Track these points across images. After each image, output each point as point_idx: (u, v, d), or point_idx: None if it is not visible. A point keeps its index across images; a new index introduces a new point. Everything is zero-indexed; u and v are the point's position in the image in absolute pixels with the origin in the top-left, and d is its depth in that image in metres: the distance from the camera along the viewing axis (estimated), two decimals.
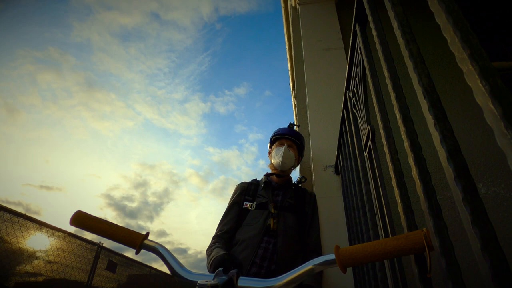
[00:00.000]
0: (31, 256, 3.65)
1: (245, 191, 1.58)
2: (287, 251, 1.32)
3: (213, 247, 1.28)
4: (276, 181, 1.60)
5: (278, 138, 1.66)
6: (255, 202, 1.49)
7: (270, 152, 1.71)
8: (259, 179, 1.68)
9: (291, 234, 1.38)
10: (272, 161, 1.63)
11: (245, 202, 1.51)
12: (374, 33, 0.70)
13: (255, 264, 1.26)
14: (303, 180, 1.70)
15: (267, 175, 1.64)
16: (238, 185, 1.63)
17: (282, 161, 1.54)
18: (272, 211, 1.42)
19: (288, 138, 1.63)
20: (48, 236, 3.91)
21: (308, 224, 1.47)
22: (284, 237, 1.35)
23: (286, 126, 1.78)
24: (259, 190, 1.57)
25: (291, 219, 1.42)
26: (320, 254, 1.40)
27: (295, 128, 1.81)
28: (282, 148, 1.57)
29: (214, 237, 1.40)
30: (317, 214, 1.53)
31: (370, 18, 0.73)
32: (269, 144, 1.75)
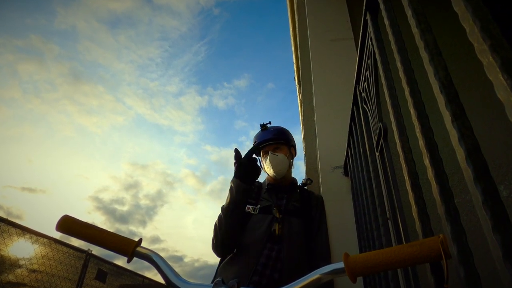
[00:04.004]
0: (14, 264, 3.66)
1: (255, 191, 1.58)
2: (293, 258, 1.32)
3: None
4: (282, 184, 1.60)
5: (260, 149, 1.64)
6: (258, 206, 1.50)
7: (261, 164, 1.68)
8: (261, 181, 1.68)
9: (296, 240, 1.38)
10: (267, 172, 1.62)
11: (247, 206, 1.52)
12: (386, 22, 0.70)
13: (257, 272, 1.27)
14: (308, 182, 1.70)
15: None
16: None
17: (275, 170, 1.54)
18: (277, 215, 1.42)
19: (269, 144, 1.60)
20: (32, 243, 3.92)
21: (316, 229, 1.47)
22: (289, 244, 1.35)
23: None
24: (262, 193, 1.57)
25: (297, 224, 1.43)
26: (329, 262, 1.40)
27: (269, 126, 1.71)
28: (268, 157, 1.56)
29: (225, 232, 1.39)
30: (325, 219, 1.53)
31: (382, 6, 0.73)
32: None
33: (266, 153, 1.60)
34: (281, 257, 1.31)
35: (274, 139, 1.60)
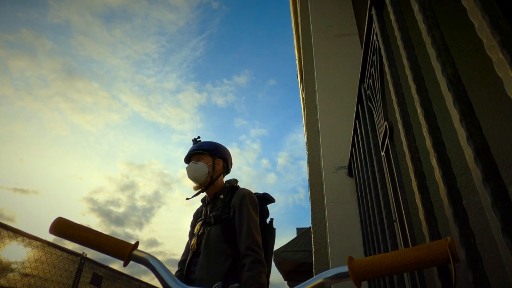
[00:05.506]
0: (6, 268, 3.67)
1: (199, 211, 1.76)
2: (206, 268, 1.45)
3: None
4: (208, 195, 1.70)
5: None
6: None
7: None
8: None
9: (213, 248, 1.49)
10: None
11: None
12: (392, 17, 0.70)
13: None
14: (229, 184, 1.72)
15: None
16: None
17: (190, 177, 1.66)
18: (196, 230, 1.58)
19: (191, 155, 1.73)
20: (25, 246, 3.93)
21: (237, 229, 1.52)
22: (205, 254, 1.48)
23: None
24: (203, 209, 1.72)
25: (215, 233, 1.52)
26: (251, 256, 1.41)
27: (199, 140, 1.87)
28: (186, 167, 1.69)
29: (179, 264, 1.65)
30: (245, 213, 1.53)
31: (387, 1, 0.73)
32: None
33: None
34: (195, 270, 1.48)
35: (195, 149, 1.73)
